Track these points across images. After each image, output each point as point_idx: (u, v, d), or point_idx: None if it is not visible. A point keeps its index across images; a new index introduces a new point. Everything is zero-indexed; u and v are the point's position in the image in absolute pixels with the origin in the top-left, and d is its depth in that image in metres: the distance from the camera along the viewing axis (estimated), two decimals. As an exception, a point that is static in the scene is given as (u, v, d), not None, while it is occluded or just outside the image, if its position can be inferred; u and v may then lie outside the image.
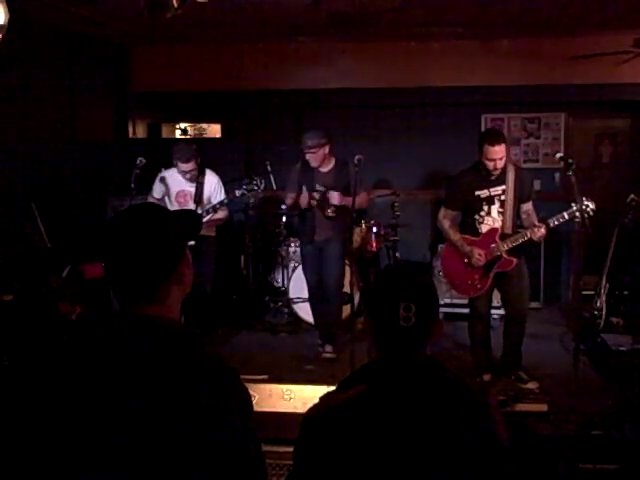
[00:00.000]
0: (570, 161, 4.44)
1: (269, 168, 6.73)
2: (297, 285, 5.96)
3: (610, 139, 7.71)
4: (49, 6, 5.21)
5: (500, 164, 4.45)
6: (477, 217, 4.61)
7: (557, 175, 7.34)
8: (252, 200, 5.38)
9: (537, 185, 6.69)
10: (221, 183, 5.45)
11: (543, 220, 4.49)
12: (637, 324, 5.24)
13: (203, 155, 5.69)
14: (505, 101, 7.37)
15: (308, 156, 5.19)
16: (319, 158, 5.19)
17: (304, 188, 5.23)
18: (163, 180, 5.40)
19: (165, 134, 7.90)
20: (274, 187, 7.10)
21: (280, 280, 6.55)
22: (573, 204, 4.30)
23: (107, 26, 6.11)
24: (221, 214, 5.32)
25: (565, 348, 5.33)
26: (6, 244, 4.80)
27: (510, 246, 4.53)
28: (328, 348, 5.36)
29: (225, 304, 6.66)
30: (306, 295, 5.69)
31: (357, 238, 6.10)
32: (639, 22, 6.08)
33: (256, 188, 5.20)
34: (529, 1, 5.39)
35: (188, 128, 7.75)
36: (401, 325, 1.60)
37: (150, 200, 5.34)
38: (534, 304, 6.69)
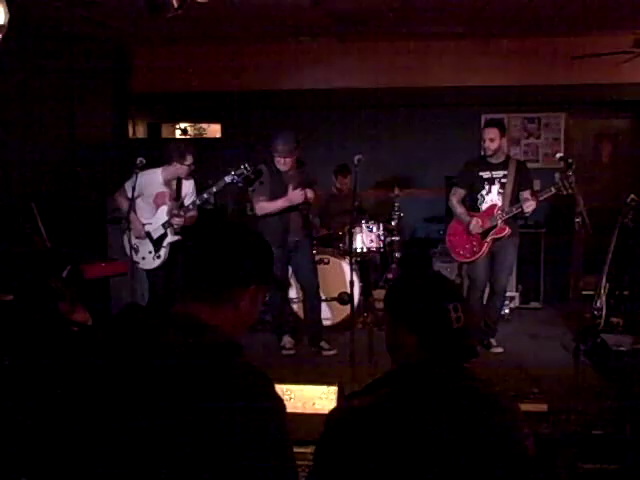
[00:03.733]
0: (570, 161, 4.58)
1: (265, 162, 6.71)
2: (297, 285, 5.95)
3: (610, 139, 7.71)
4: (49, 6, 5.21)
5: (492, 145, 5.06)
6: (479, 196, 5.20)
7: (557, 175, 7.34)
8: (241, 185, 5.30)
9: (537, 185, 6.69)
10: (194, 186, 5.36)
11: (534, 194, 5.10)
12: (637, 324, 5.24)
13: (203, 155, 5.67)
14: (505, 101, 7.37)
15: (278, 160, 5.16)
16: (290, 163, 5.19)
17: (290, 187, 5.18)
18: (139, 182, 5.10)
19: (165, 134, 7.91)
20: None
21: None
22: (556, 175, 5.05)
23: (107, 26, 6.11)
24: (191, 214, 5.29)
25: (565, 348, 5.33)
26: (6, 244, 4.80)
27: (505, 217, 5.09)
28: (325, 345, 5.38)
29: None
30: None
31: (357, 238, 6.10)
32: (639, 22, 6.08)
33: (246, 172, 5.12)
34: (529, 1, 5.39)
35: (188, 128, 7.76)
36: (454, 327, 1.59)
37: (119, 199, 5.21)
38: (534, 304, 6.71)
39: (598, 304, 5.31)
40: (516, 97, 7.23)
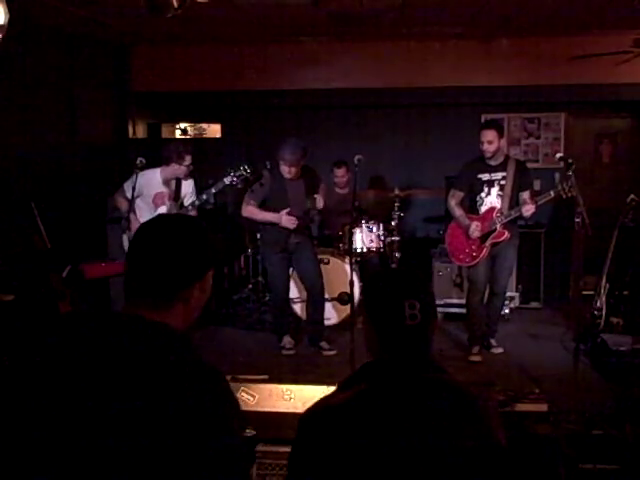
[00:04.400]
0: (570, 161, 4.58)
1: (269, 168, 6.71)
2: (297, 285, 5.96)
3: (610, 139, 7.71)
4: (49, 6, 5.21)
5: (490, 148, 4.99)
6: (478, 199, 5.15)
7: (557, 175, 7.34)
8: (241, 187, 5.31)
9: (537, 185, 6.69)
10: (194, 186, 5.39)
11: (532, 198, 5.00)
12: (637, 324, 5.24)
13: (203, 155, 5.68)
14: (505, 101, 7.37)
15: (284, 168, 5.14)
16: (295, 171, 5.17)
17: (283, 212, 5.18)
18: (139, 182, 5.14)
19: (165, 134, 7.90)
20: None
21: (280, 280, 6.54)
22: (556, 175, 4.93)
23: (107, 26, 6.11)
24: (191, 215, 5.27)
25: (565, 348, 5.33)
26: (6, 244, 4.80)
27: (504, 220, 5.03)
28: (325, 345, 5.38)
29: (225, 304, 6.66)
30: (305, 296, 5.67)
31: (357, 238, 6.10)
32: (639, 22, 6.08)
33: (245, 173, 5.13)
34: (529, 1, 5.39)
35: (188, 128, 7.75)
36: (407, 324, 1.59)
37: (118, 199, 5.24)
38: (534, 304, 6.70)
39: (598, 304, 5.31)
40: (516, 97, 7.23)
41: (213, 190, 5.19)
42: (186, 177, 5.27)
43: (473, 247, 5.15)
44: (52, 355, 1.38)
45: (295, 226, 5.22)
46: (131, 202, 5.02)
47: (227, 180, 5.13)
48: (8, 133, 5.36)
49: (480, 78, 6.96)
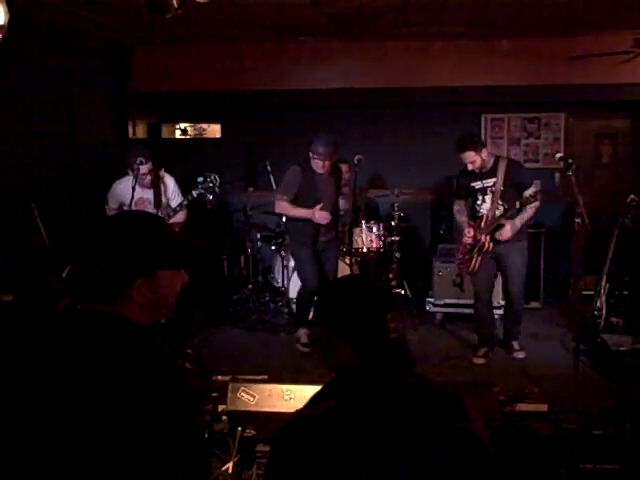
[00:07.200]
0: (570, 161, 4.56)
1: (269, 168, 6.73)
2: (297, 285, 5.95)
3: (610, 139, 7.71)
4: (49, 6, 5.21)
5: (474, 165, 4.88)
6: (476, 206, 5.09)
7: (557, 175, 7.35)
8: (211, 197, 5.31)
9: (537, 185, 6.69)
10: (177, 186, 5.43)
11: (508, 218, 4.86)
12: (637, 324, 5.24)
13: (203, 155, 5.70)
14: (505, 101, 7.37)
15: (317, 162, 5.06)
16: (328, 166, 5.10)
17: (317, 207, 5.10)
18: (119, 191, 5.33)
19: (165, 134, 7.91)
20: (274, 187, 7.10)
21: (280, 280, 6.55)
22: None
23: (107, 26, 6.11)
24: (180, 217, 5.28)
25: (565, 348, 5.33)
26: (6, 244, 4.80)
27: (485, 231, 4.94)
28: None
29: (225, 304, 6.66)
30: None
31: (357, 238, 6.10)
32: (639, 22, 6.08)
33: (211, 185, 5.11)
34: (529, 1, 5.39)
35: (188, 128, 7.76)
36: (392, 337, 1.55)
37: (108, 211, 5.39)
38: (534, 304, 6.70)
39: (598, 304, 5.31)
40: (516, 97, 7.23)
41: (185, 202, 5.23)
42: (149, 183, 5.26)
43: (466, 256, 5.11)
44: (13, 354, 1.42)
45: (328, 221, 5.17)
46: (119, 209, 5.24)
47: (195, 193, 5.14)
48: (8, 133, 5.37)
49: (480, 78, 6.97)
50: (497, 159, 5.01)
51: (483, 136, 7.55)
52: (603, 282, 5.35)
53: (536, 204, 4.77)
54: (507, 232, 4.83)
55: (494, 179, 4.93)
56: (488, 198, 4.98)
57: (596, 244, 5.16)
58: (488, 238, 4.94)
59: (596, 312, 5.28)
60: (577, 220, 4.36)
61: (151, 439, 1.29)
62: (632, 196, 5.36)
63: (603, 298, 5.32)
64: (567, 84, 6.92)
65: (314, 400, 1.58)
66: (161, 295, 1.49)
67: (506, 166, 4.94)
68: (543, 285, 6.74)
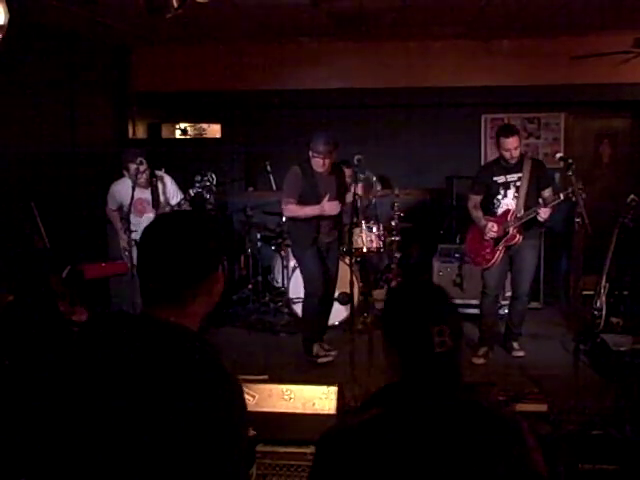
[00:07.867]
0: (570, 161, 4.57)
1: (269, 168, 6.73)
2: (297, 285, 5.95)
3: (610, 139, 7.71)
4: (49, 6, 5.21)
5: (515, 153, 4.93)
6: (495, 201, 5.09)
7: (557, 175, 7.34)
8: (208, 196, 5.32)
9: (557, 178, 6.72)
10: (175, 184, 5.44)
11: (544, 201, 4.93)
12: (637, 324, 5.24)
13: (203, 155, 5.69)
14: (505, 101, 7.37)
15: (317, 160, 5.00)
16: (328, 164, 5.04)
17: (325, 199, 5.01)
18: (117, 192, 5.35)
19: (165, 134, 7.90)
20: (274, 187, 7.10)
21: (280, 280, 6.55)
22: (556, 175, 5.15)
23: (107, 26, 6.11)
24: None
25: (565, 348, 5.33)
26: (6, 244, 4.80)
27: (517, 223, 4.98)
28: (325, 346, 5.34)
29: (225, 304, 6.66)
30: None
31: (357, 238, 6.09)
32: (639, 22, 6.08)
33: (208, 184, 5.15)
34: (529, 1, 5.39)
35: (188, 128, 7.75)
36: (437, 351, 1.47)
37: (109, 213, 5.46)
38: (534, 304, 6.69)
39: (598, 304, 5.31)
40: (516, 97, 7.23)
41: (183, 202, 5.28)
42: (146, 183, 5.26)
43: (487, 250, 5.11)
44: (75, 360, 1.43)
45: (339, 211, 5.12)
46: (118, 211, 5.30)
47: (192, 192, 5.21)
48: (8, 133, 5.36)
49: (480, 78, 6.97)
50: (522, 156, 5.09)
51: (483, 136, 7.55)
52: (603, 282, 5.35)
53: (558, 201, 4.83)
54: (547, 211, 4.84)
55: (519, 174, 4.99)
56: (510, 192, 5.02)
57: (596, 244, 5.16)
58: (515, 231, 4.99)
59: (596, 312, 5.28)
60: (577, 220, 4.36)
61: (213, 444, 1.33)
62: (632, 196, 5.36)
63: (603, 298, 5.32)
64: (567, 84, 6.92)
65: (362, 407, 1.54)
66: (215, 293, 1.52)
67: (531, 164, 5.05)
68: (543, 285, 6.74)
